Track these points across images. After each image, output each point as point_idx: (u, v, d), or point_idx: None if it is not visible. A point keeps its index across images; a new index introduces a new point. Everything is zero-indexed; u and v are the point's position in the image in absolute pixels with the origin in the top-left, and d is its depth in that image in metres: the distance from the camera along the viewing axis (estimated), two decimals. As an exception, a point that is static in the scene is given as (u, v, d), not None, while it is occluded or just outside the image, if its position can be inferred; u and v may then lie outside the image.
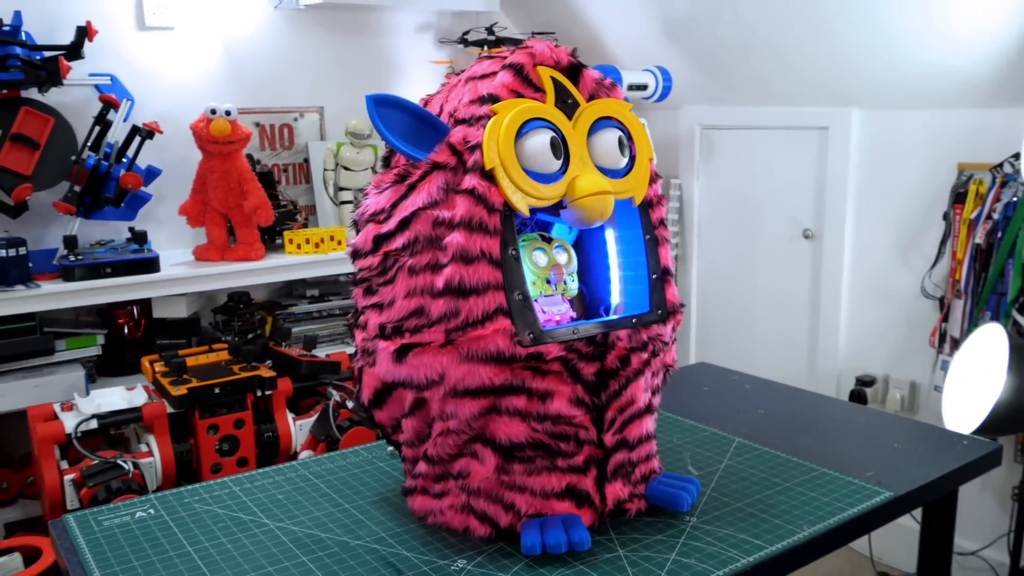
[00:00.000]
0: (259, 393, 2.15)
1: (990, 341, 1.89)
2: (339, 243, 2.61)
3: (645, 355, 0.99)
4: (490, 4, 3.07)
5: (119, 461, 1.90)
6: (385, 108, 0.92)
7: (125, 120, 2.50)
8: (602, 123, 0.97)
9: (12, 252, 2.14)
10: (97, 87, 2.49)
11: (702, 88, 2.90)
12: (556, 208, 0.96)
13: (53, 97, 2.39)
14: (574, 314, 1.05)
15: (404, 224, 0.92)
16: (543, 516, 0.96)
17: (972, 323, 2.25)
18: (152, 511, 1.10)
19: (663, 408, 1.40)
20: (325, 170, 2.72)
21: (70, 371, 2.33)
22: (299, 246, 2.57)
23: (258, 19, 2.81)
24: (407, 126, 0.93)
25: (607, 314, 1.06)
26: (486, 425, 0.94)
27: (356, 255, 0.99)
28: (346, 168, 2.69)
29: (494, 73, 0.95)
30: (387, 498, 1.12)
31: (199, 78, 2.71)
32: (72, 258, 2.24)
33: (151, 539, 1.02)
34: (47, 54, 2.28)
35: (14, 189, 2.23)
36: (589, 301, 1.10)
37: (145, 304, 2.56)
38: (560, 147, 0.93)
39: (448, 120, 0.96)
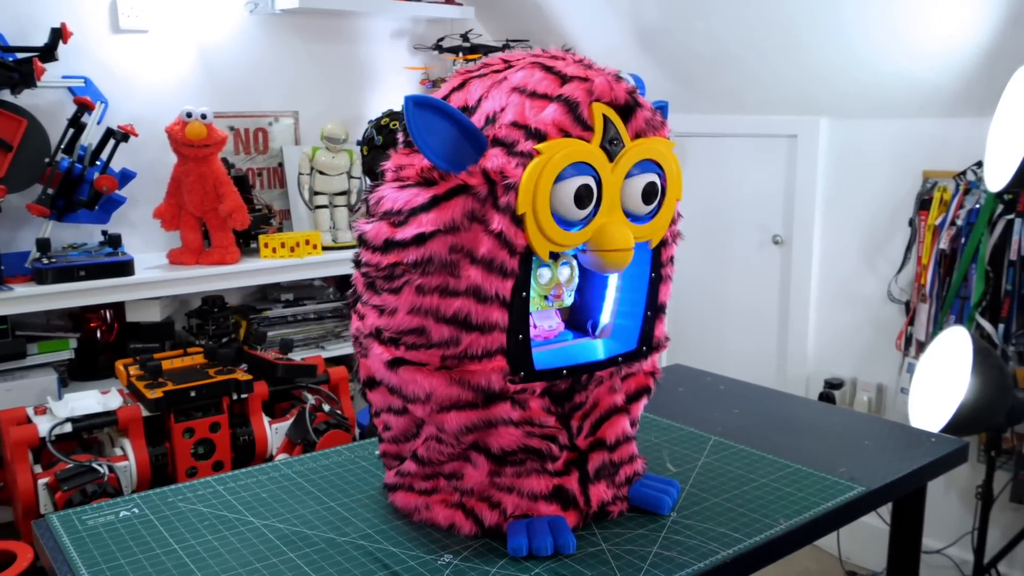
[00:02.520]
0: (235, 396, 2.14)
1: (954, 344, 1.95)
2: (314, 247, 2.61)
3: (630, 384, 1.02)
4: (465, 12, 3.09)
5: (94, 465, 1.89)
6: (424, 112, 0.84)
7: (99, 123, 2.48)
8: (641, 166, 0.91)
9: (-17, 254, 2.12)
10: (71, 89, 2.47)
11: (674, 96, 2.95)
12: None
13: (25, 99, 2.37)
14: (562, 327, 1.07)
15: (420, 240, 0.88)
16: (529, 517, 0.97)
17: (937, 327, 2.31)
18: (136, 510, 1.10)
19: None
20: (300, 174, 2.72)
21: (42, 375, 2.31)
22: (274, 250, 2.57)
23: (233, 23, 2.80)
24: (445, 135, 0.86)
25: (593, 331, 1.07)
26: (478, 436, 0.94)
27: (363, 243, 0.95)
28: (321, 172, 2.69)
29: (547, 97, 0.88)
30: (371, 496, 1.13)
31: (174, 81, 2.70)
32: (45, 261, 2.22)
33: (137, 537, 1.02)
34: (20, 56, 2.26)
35: (-14, 191, 2.20)
36: (579, 311, 1.10)
37: (119, 308, 2.54)
38: (591, 195, 0.88)
39: (484, 121, 0.91)
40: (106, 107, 2.50)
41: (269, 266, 2.55)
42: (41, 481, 1.88)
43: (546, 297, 1.05)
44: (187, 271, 2.43)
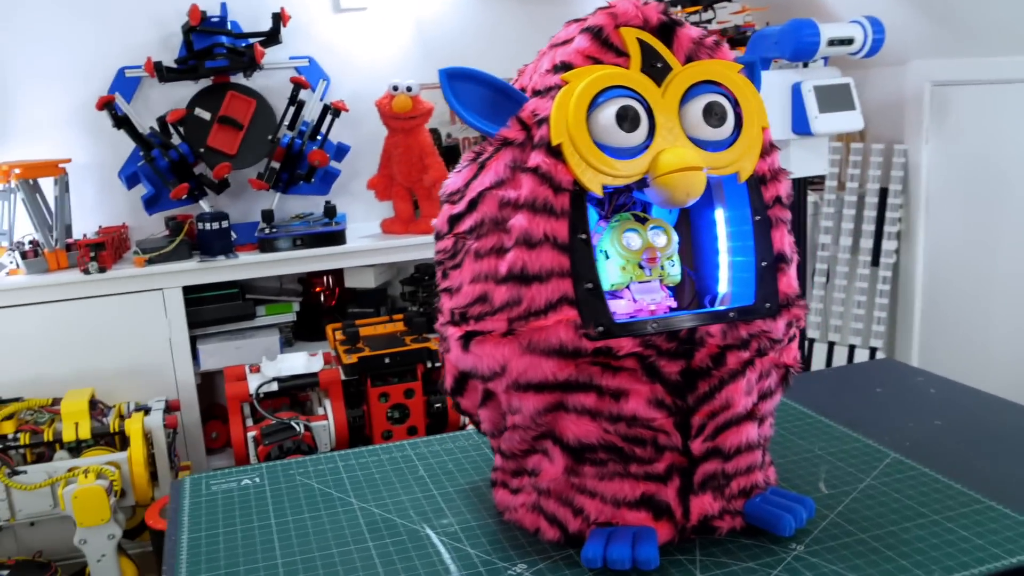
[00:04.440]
0: (428, 365, 2.18)
1: None
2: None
3: (746, 354, 0.85)
4: (690, -38, 2.87)
5: (292, 423, 2.01)
6: (460, 82, 0.85)
7: (321, 100, 2.63)
8: (699, 88, 0.84)
9: (215, 225, 2.33)
10: (296, 69, 2.63)
11: (932, 39, 2.53)
12: (643, 185, 0.84)
13: (258, 81, 2.56)
14: (673, 303, 0.92)
15: (472, 205, 0.86)
16: (614, 526, 0.85)
17: None
18: (257, 480, 1.13)
19: (812, 409, 1.22)
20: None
21: (268, 335, 2.51)
22: (479, 220, 2.57)
23: (449, -5, 2.83)
24: (485, 100, 0.85)
25: (712, 304, 0.93)
26: (554, 422, 0.85)
27: (436, 236, 0.95)
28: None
29: (573, 39, 0.86)
30: (477, 487, 1.06)
31: (391, 56, 2.78)
32: (268, 231, 2.40)
33: (244, 508, 1.04)
34: (250, 41, 2.44)
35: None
36: (699, 289, 0.97)
37: (339, 274, 2.69)
38: (638, 117, 0.81)
39: (529, 94, 0.87)
40: (328, 84, 2.63)
41: (474, 236, 2.56)
42: (250, 434, 2.03)
43: (641, 265, 0.90)
44: (396, 240, 2.51)
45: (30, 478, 1.89)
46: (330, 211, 2.49)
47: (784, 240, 0.88)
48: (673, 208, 0.90)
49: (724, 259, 0.92)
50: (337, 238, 2.42)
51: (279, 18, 2.43)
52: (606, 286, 0.90)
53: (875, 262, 2.89)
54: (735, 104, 0.86)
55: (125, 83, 2.48)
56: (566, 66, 0.83)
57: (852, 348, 2.95)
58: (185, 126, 2.46)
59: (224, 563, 0.92)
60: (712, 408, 0.84)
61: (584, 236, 0.81)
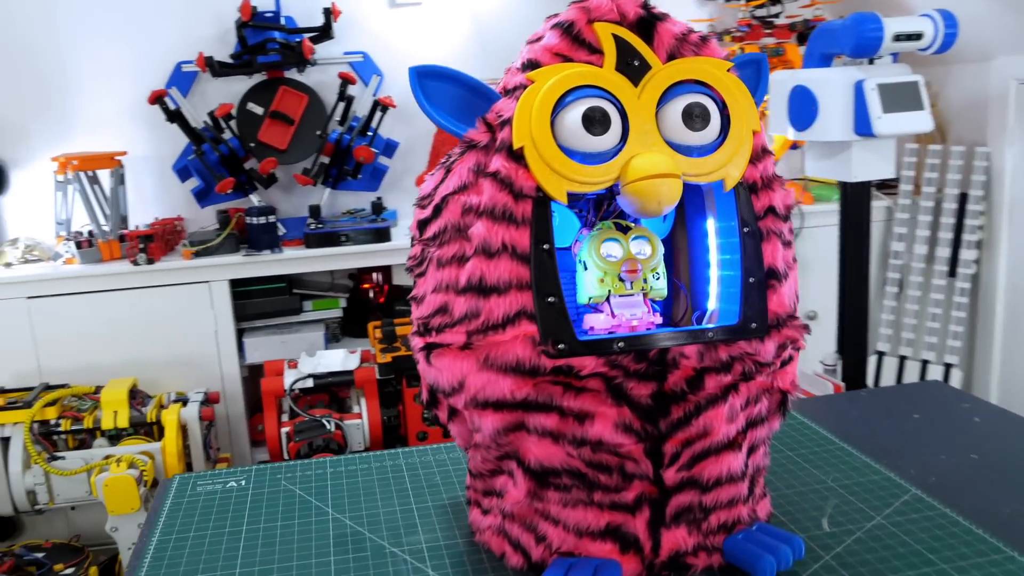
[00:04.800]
0: (464, 367, 2.13)
1: None
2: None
3: (728, 378, 0.77)
4: (759, -46, 2.74)
5: (324, 420, 2.00)
6: (431, 80, 0.80)
7: (374, 95, 2.62)
8: (680, 89, 0.77)
9: (262, 220, 2.35)
10: (350, 65, 2.63)
11: (1018, 34, 2.34)
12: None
13: (311, 76, 2.57)
14: (658, 319, 0.85)
15: (437, 211, 0.81)
16: (576, 556, 0.79)
17: None
18: (243, 482, 1.10)
19: (836, 434, 1.12)
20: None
21: (313, 330, 2.52)
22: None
23: (506, -10, 2.78)
24: (459, 100, 0.80)
25: (700, 322, 0.85)
26: (516, 443, 0.79)
27: (411, 242, 0.90)
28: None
29: (544, 35, 0.80)
30: (458, 503, 1.01)
31: (446, 52, 2.75)
32: (314, 226, 2.40)
33: (220, 512, 1.02)
34: (305, 36, 2.45)
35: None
36: (692, 305, 0.89)
37: (388, 271, 2.68)
38: (608, 120, 0.75)
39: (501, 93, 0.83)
40: (381, 80, 2.62)
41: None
42: (283, 430, 2.04)
43: (620, 277, 0.84)
44: (440, 239, 2.48)
45: (68, 464, 1.94)
46: (377, 207, 2.48)
47: (777, 255, 0.80)
48: (646, 218, 0.83)
49: (714, 273, 0.84)
50: (383, 235, 2.41)
51: (330, 13, 2.43)
52: (583, 299, 0.84)
53: (952, 272, 2.71)
54: (722, 106, 0.79)
55: (182, 77, 2.53)
56: (533, 64, 0.77)
57: (925, 363, 2.77)
58: (238, 121, 2.49)
59: (184, 569, 0.90)
60: (688, 435, 0.77)
61: (547, 246, 0.76)
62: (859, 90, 1.99)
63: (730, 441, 0.79)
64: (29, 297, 2.23)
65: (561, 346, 0.74)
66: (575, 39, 0.77)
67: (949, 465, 1.02)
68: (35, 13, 2.50)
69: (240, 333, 2.45)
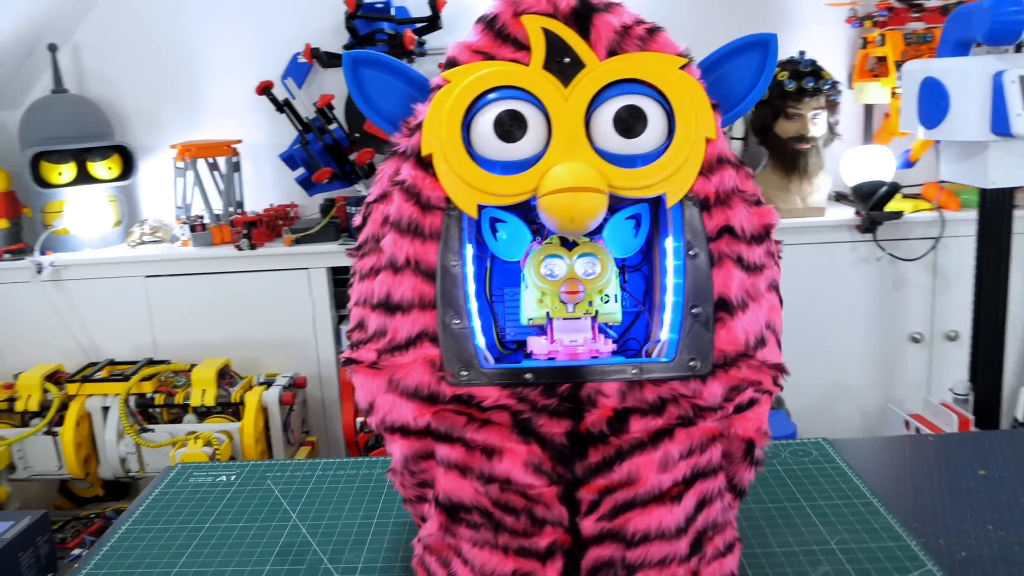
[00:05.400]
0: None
1: None
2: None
3: (659, 421, 0.68)
4: (910, -70, 2.46)
5: (393, 413, 2.00)
6: (367, 69, 0.73)
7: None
8: (617, 89, 0.68)
9: (356, 210, 2.37)
10: (461, 56, 2.61)
11: None
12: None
13: (425, 67, 2.57)
14: (607, 347, 0.75)
15: (364, 220, 0.77)
16: (478, 603, 0.71)
17: None
18: (233, 477, 1.10)
19: (871, 483, 0.98)
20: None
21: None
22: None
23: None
24: (399, 95, 0.74)
25: (647, 354, 0.75)
26: (430, 472, 0.73)
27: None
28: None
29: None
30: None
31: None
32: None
33: (197, 506, 1.02)
34: (409, 27, 2.46)
35: (380, 153, 2.46)
36: (649, 335, 0.79)
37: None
38: (524, 124, 0.68)
39: None
40: (490, 71, 2.58)
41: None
42: (358, 419, 2.06)
43: (561, 299, 0.75)
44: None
45: (155, 437, 2.05)
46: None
47: (732, 282, 0.69)
48: (567, 235, 0.74)
49: (669, 299, 0.73)
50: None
51: (435, 4, 2.42)
52: (523, 320, 0.76)
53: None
54: (669, 109, 0.68)
55: (297, 68, 2.60)
56: (452, 63, 0.71)
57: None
58: (345, 111, 2.53)
59: (132, 560, 0.90)
60: (609, 482, 0.68)
61: (455, 263, 0.69)
62: (997, 83, 1.73)
63: (662, 492, 0.69)
64: (147, 276, 2.38)
65: (464, 373, 0.68)
66: (498, 34, 0.70)
67: (990, 540, 0.85)
68: (166, 5, 2.66)
69: (340, 320, 2.50)
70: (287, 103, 2.44)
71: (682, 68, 0.69)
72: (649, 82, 0.68)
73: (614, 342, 0.77)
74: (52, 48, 2.51)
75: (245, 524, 0.97)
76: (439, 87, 0.70)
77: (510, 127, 0.67)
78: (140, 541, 0.94)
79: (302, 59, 2.55)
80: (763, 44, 0.72)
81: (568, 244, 0.78)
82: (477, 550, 0.72)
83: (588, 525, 0.68)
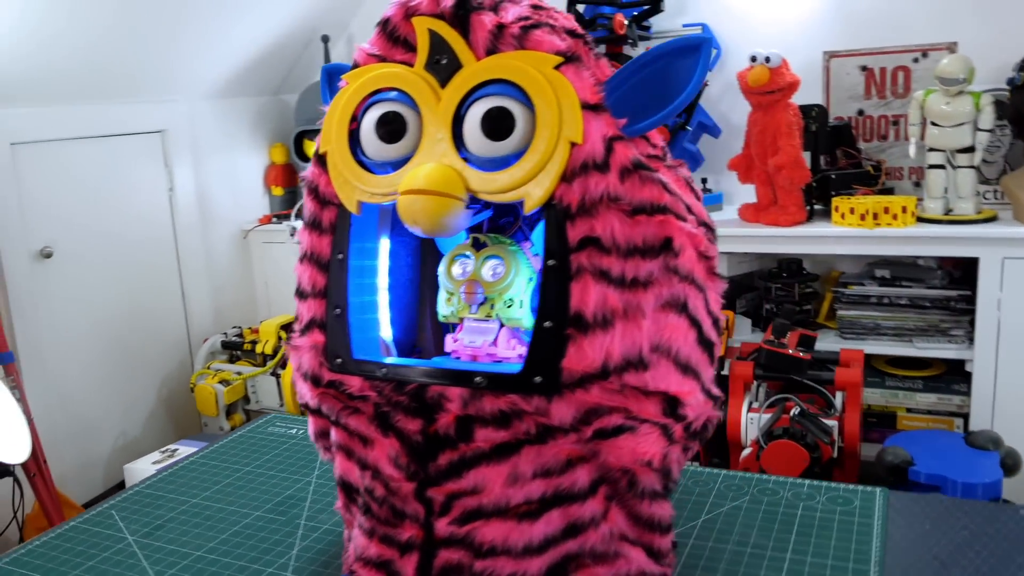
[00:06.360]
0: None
1: None
2: (894, 217, 2.09)
3: (502, 434, 0.65)
4: None
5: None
6: (338, 80, 0.77)
7: (709, 70, 2.48)
8: (489, 90, 0.66)
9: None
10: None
11: None
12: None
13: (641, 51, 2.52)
14: (512, 352, 0.74)
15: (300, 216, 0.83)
16: (354, 577, 0.75)
17: None
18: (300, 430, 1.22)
19: (872, 547, 0.84)
20: (910, 125, 2.18)
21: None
22: (843, 216, 2.16)
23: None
24: None
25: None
26: (331, 449, 0.78)
27: None
28: (934, 124, 2.10)
29: None
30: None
31: (796, 18, 2.45)
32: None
33: (249, 450, 1.14)
34: (620, 11, 2.42)
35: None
36: None
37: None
38: (401, 126, 0.68)
39: None
40: (718, 55, 2.46)
41: (837, 234, 2.16)
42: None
43: (463, 299, 0.75)
44: (739, 229, 2.27)
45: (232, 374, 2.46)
46: (679, 189, 2.36)
47: (589, 297, 0.64)
48: (425, 237, 0.72)
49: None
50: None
51: (653, -14, 2.36)
52: (440, 317, 0.77)
53: None
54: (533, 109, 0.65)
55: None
56: (355, 65, 0.73)
57: None
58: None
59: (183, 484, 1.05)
60: (459, 487, 0.67)
61: (341, 256, 0.73)
62: None
63: (510, 508, 0.66)
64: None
65: (337, 360, 0.71)
66: (390, 37, 0.71)
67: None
68: None
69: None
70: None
71: (559, 67, 0.64)
72: (518, 83, 0.65)
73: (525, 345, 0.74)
74: (325, 39, 2.86)
75: (256, 485, 1.06)
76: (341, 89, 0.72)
77: (389, 128, 0.68)
78: (183, 475, 1.08)
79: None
80: (696, 48, 0.66)
81: (478, 245, 0.76)
82: (359, 531, 0.75)
83: (441, 526, 0.68)
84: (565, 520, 0.67)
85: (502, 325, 0.74)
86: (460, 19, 0.67)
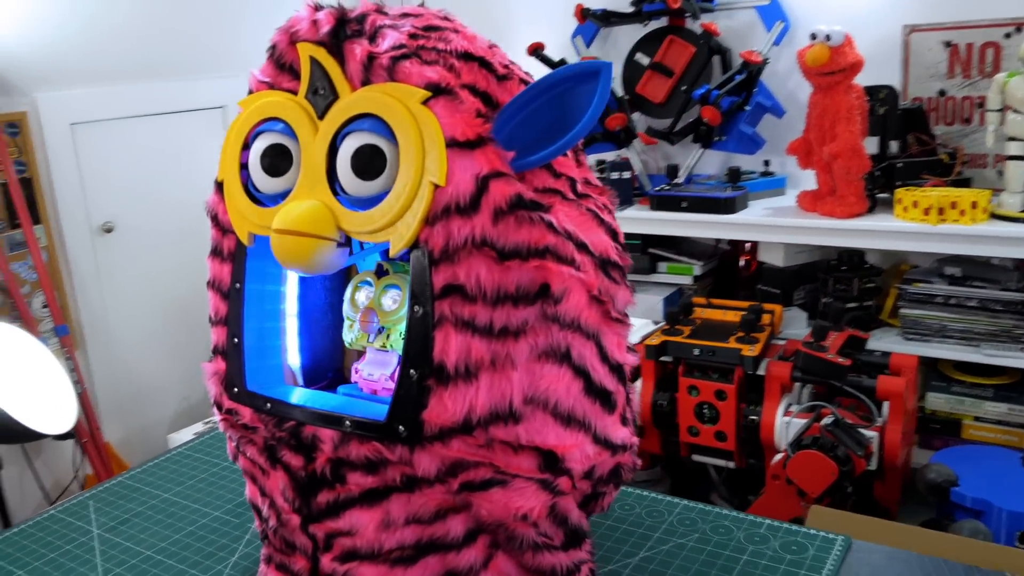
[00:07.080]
0: (747, 371, 1.87)
1: None
2: (962, 212, 1.92)
3: (371, 480, 0.64)
4: None
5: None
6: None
7: (776, 45, 2.34)
8: (361, 124, 0.63)
9: (616, 175, 2.33)
10: (756, 10, 2.37)
11: None
12: None
13: (723, 22, 2.40)
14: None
15: None
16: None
17: None
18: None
19: None
20: (987, 111, 1.99)
21: (659, 293, 2.44)
22: (905, 209, 2.00)
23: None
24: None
25: None
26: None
27: None
28: (1015, 111, 1.91)
29: None
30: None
31: (875, -5, 2.27)
32: (665, 187, 2.30)
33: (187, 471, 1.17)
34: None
35: (649, 116, 2.38)
36: None
37: (755, 245, 2.43)
38: (284, 159, 0.66)
39: None
40: (786, 28, 2.32)
41: (899, 229, 2.01)
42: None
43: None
44: (793, 219, 2.14)
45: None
46: (733, 175, 2.25)
47: (451, 348, 0.61)
48: (295, 272, 0.70)
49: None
50: (723, 205, 2.18)
51: (712, -42, 2.22)
52: (347, 344, 0.75)
53: None
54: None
55: (588, 27, 2.59)
56: (250, 91, 0.71)
57: None
58: (624, 70, 2.47)
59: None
60: (337, 527, 0.67)
61: (238, 285, 0.73)
62: None
63: (383, 552, 0.65)
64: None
65: (234, 389, 0.71)
66: (278, 63, 0.69)
67: None
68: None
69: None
70: (562, 63, 2.47)
71: (428, 101, 0.60)
72: (384, 118, 0.61)
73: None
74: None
75: (203, 504, 1.09)
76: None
77: (272, 162, 0.66)
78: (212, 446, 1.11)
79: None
80: (595, 74, 0.63)
81: (381, 273, 0.74)
82: (262, 554, 0.75)
83: (326, 562, 0.69)
84: (443, 567, 0.65)
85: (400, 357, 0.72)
86: (336, 47, 0.64)
